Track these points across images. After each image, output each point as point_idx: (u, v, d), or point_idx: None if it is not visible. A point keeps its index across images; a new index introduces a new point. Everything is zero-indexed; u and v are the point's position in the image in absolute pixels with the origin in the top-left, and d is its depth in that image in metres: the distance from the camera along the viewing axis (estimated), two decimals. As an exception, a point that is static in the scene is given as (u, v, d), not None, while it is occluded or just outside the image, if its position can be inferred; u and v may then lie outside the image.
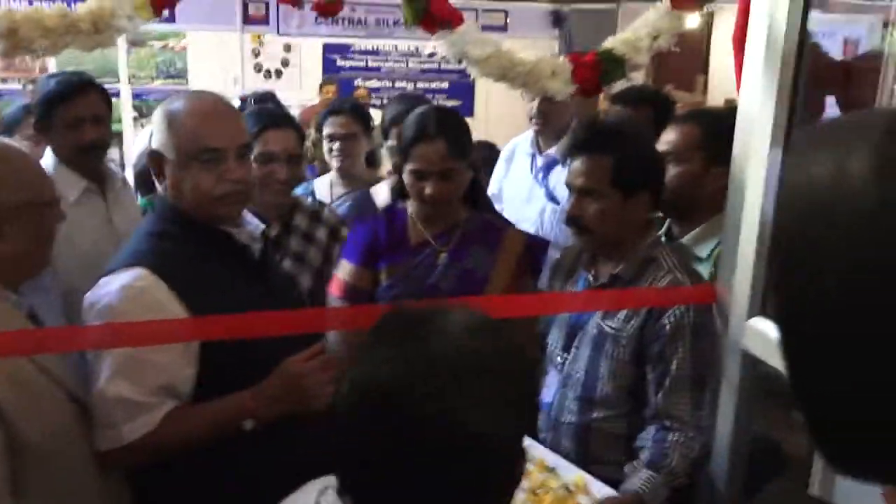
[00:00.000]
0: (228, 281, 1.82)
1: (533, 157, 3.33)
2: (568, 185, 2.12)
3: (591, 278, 2.19)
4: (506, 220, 2.71)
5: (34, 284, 1.80)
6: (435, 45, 2.40)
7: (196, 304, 1.71)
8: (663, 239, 2.35)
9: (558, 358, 2.23)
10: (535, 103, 3.15)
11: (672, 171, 2.29)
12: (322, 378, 1.76)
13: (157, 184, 1.86)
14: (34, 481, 1.58)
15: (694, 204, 2.33)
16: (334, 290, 2.40)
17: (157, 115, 1.80)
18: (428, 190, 2.24)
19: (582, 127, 2.25)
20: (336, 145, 3.16)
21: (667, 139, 2.34)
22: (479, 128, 6.43)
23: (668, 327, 2.01)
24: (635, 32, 2.42)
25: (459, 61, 2.38)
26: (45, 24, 1.97)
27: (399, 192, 2.42)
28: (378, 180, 3.21)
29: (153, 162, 1.81)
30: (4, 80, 7.42)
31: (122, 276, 1.70)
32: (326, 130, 3.22)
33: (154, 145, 1.80)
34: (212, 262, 1.81)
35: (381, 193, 2.89)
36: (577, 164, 2.09)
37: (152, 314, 1.67)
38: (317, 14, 2.51)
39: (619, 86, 3.05)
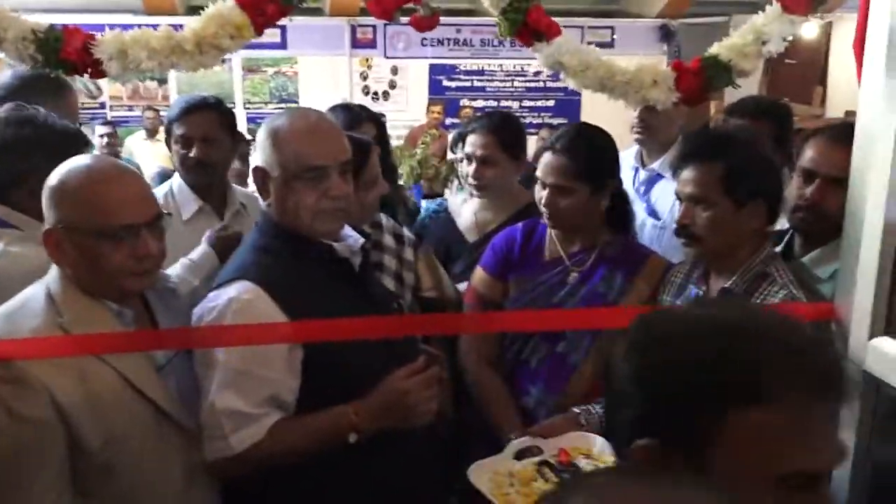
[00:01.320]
0: (329, 293, 1.84)
1: (636, 170, 3.23)
2: (678, 194, 2.04)
3: (702, 293, 2.10)
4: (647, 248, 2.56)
5: (159, 294, 1.85)
6: (540, 64, 2.36)
7: (299, 315, 1.74)
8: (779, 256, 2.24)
9: None
10: (637, 113, 3.04)
11: (839, 194, 2.14)
12: (425, 395, 1.78)
13: (260, 199, 1.90)
14: (96, 488, 1.61)
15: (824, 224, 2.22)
16: (467, 297, 2.42)
17: (262, 133, 1.84)
18: (543, 200, 2.21)
19: (692, 135, 2.16)
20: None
21: (836, 161, 2.19)
22: (585, 145, 6.31)
23: None
24: (743, 37, 2.31)
25: (558, 73, 2.33)
26: (151, 44, 2.05)
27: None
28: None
29: (258, 177, 1.85)
30: (130, 108, 7.84)
31: (228, 289, 1.75)
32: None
33: (259, 162, 1.84)
34: (313, 275, 1.84)
35: (467, 215, 2.86)
36: (687, 172, 2.01)
37: (258, 322, 1.71)
38: (422, 37, 2.52)
39: (732, 96, 2.92)
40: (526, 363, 2.33)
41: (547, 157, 2.21)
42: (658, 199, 3.05)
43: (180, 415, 1.73)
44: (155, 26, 2.22)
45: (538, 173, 2.23)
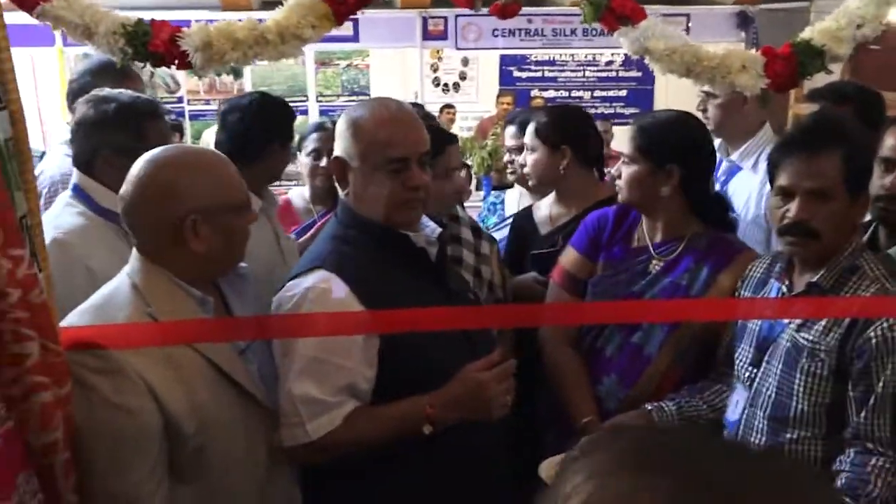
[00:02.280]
0: (406, 282, 1.86)
1: (720, 162, 3.15)
2: (788, 188, 1.91)
3: (785, 289, 2.02)
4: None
5: (230, 281, 1.89)
6: (613, 53, 2.34)
7: (375, 304, 1.76)
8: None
9: (746, 373, 2.08)
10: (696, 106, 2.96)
11: None
12: (501, 388, 1.79)
13: (338, 189, 1.90)
14: (192, 472, 1.65)
15: None
16: (555, 276, 2.42)
17: (342, 123, 1.85)
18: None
19: (799, 126, 2.06)
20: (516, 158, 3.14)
21: None
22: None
23: (874, 340, 1.81)
24: (837, 21, 2.22)
25: (639, 64, 2.29)
26: (235, 35, 2.08)
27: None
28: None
29: (337, 167, 1.85)
30: (207, 102, 8.01)
31: (306, 279, 1.79)
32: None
33: (338, 152, 1.85)
34: (390, 265, 1.85)
35: (544, 209, 2.83)
36: (801, 163, 1.88)
37: (335, 311, 1.74)
38: (493, 28, 2.51)
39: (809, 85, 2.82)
40: (601, 351, 2.31)
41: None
42: (735, 192, 2.96)
43: (264, 397, 1.76)
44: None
45: None
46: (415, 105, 3.25)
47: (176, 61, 2.11)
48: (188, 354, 1.66)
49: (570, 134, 2.67)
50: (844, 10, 2.28)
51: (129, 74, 2.65)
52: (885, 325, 1.81)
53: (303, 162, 3.11)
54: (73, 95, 2.72)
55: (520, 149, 3.00)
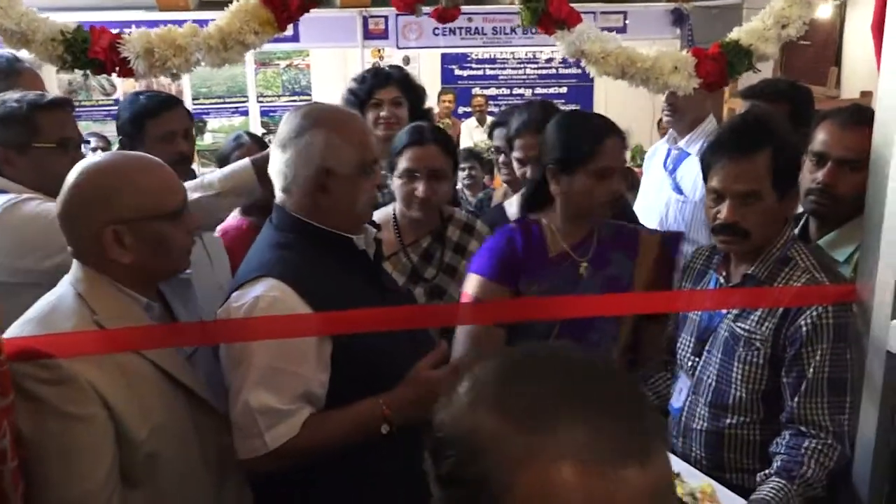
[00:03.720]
0: (350, 285, 1.87)
1: (669, 150, 3.28)
2: (719, 190, 1.97)
3: (723, 280, 2.10)
4: (633, 222, 2.63)
5: (172, 286, 1.87)
6: (552, 51, 2.38)
7: (324, 308, 1.77)
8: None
9: (689, 363, 2.16)
10: (665, 96, 3.03)
11: (851, 177, 2.13)
12: (452, 383, 1.79)
13: (280, 195, 1.88)
14: (143, 477, 1.65)
15: (838, 207, 2.21)
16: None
17: (320, 135, 1.80)
18: (615, 186, 2.21)
19: (729, 127, 2.09)
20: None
21: (848, 144, 2.16)
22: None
23: (805, 328, 1.90)
24: (763, 21, 2.31)
25: (578, 61, 2.34)
26: (177, 42, 2.07)
27: (533, 202, 2.37)
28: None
29: (321, 179, 1.82)
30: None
31: (254, 288, 1.77)
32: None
33: (320, 162, 1.81)
34: (333, 268, 1.86)
35: (514, 206, 2.87)
36: (731, 166, 1.95)
37: (286, 317, 1.73)
38: (434, 27, 2.54)
39: (745, 80, 2.91)
40: None
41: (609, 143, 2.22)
42: (683, 176, 3.13)
43: (213, 400, 1.77)
44: (166, 22, 2.24)
45: (605, 162, 2.23)
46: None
47: (117, 68, 2.09)
48: (136, 361, 1.65)
49: None
50: (770, 10, 2.36)
51: (20, 71, 2.60)
52: (814, 313, 1.89)
53: None
54: None
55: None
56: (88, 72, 2.14)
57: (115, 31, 2.15)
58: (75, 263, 1.69)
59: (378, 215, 2.38)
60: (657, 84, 2.21)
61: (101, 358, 1.60)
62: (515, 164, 2.80)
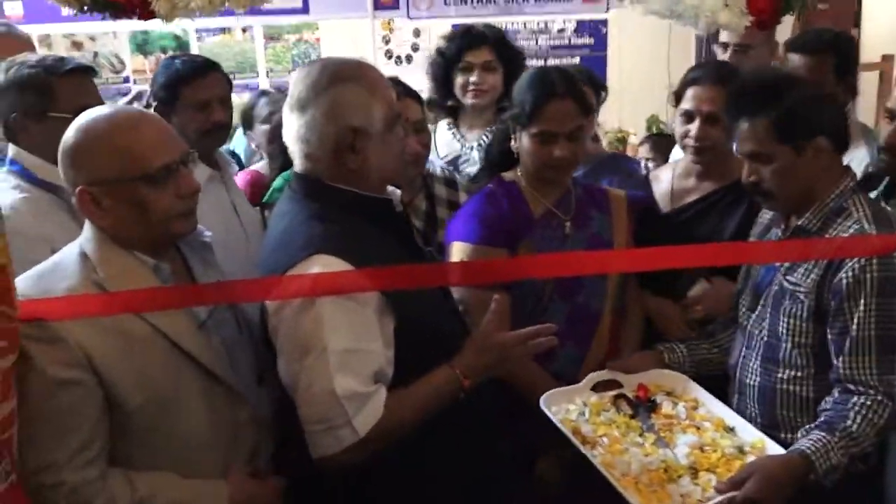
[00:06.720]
0: (391, 248, 1.83)
1: None
2: (738, 153, 2.03)
3: (780, 233, 2.07)
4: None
5: (194, 248, 1.83)
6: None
7: None
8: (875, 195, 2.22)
9: (744, 319, 2.14)
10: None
11: None
12: (523, 347, 1.80)
13: (303, 163, 1.81)
14: (141, 450, 1.59)
15: None
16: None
17: (348, 92, 1.73)
18: (557, 152, 2.16)
19: (736, 88, 2.06)
20: None
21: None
22: (613, 103, 6.21)
23: (846, 281, 1.84)
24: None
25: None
26: (201, -19, 1.97)
27: (499, 162, 2.33)
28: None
29: (348, 140, 1.75)
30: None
31: (310, 267, 1.68)
32: None
33: (350, 122, 1.74)
34: (373, 233, 1.80)
35: (664, 178, 2.80)
36: (739, 129, 1.98)
37: (347, 296, 1.64)
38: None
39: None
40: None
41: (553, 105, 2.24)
42: None
43: (225, 372, 1.68)
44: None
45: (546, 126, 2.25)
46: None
47: (137, 10, 1.99)
48: (140, 327, 1.57)
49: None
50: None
51: (18, 37, 2.45)
52: (856, 265, 1.84)
53: (260, 130, 2.98)
54: None
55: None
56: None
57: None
58: (87, 222, 1.63)
59: None
60: (707, 21, 2.10)
61: (100, 320, 1.51)
62: None
